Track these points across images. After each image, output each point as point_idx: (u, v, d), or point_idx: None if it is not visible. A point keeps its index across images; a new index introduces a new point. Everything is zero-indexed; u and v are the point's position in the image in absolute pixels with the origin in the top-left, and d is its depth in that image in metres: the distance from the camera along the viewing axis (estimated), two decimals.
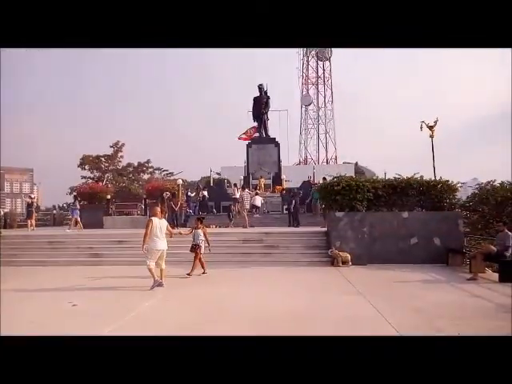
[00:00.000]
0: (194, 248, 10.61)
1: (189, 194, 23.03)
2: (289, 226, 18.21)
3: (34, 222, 19.63)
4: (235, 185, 21.12)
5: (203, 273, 10.67)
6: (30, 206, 19.87)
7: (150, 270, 8.98)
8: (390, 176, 14.49)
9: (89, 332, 5.63)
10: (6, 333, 4.80)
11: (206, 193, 23.00)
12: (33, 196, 21.17)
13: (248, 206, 18.75)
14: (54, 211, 32.71)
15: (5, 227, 20.46)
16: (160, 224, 9.15)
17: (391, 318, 6.17)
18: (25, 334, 4.60)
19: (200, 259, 10.66)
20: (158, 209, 9.67)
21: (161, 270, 9.24)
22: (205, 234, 10.79)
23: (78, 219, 19.59)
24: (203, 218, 11.57)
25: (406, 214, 12.74)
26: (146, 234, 8.93)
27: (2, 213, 20.56)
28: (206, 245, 10.76)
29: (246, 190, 19.80)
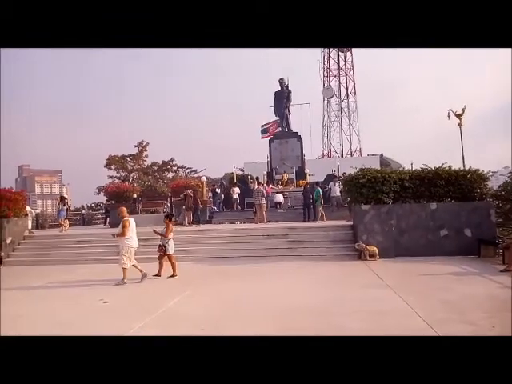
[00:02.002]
0: (160, 248, 10.10)
1: (216, 190, 23.15)
2: (307, 219, 18.35)
3: (67, 222, 19.99)
4: (257, 178, 21.16)
5: (172, 275, 9.93)
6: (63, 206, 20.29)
7: (125, 269, 9.33)
8: (417, 167, 14.16)
9: (115, 330, 5.74)
10: (5, 333, 4.90)
11: (237, 189, 22.94)
12: (66, 196, 21.65)
13: (261, 202, 17.97)
14: (83, 211, 33.56)
15: (37, 227, 21.07)
16: (133, 223, 9.66)
17: (422, 312, 6.02)
18: (25, 334, 4.65)
19: (170, 260, 10.08)
20: (125, 209, 10.02)
21: (134, 266, 9.58)
22: (167, 230, 10.14)
23: (63, 220, 19.24)
24: (172, 216, 10.86)
25: (434, 206, 12.42)
26: (124, 234, 9.38)
27: (34, 214, 21.13)
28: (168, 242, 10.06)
29: (261, 185, 19.23)
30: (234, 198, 22.59)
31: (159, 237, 10.30)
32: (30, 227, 16.76)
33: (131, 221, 9.67)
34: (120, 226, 9.61)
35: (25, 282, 9.96)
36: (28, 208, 17.57)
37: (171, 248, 10.10)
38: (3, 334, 4.81)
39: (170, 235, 10.16)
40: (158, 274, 10.04)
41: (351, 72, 57.48)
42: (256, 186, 19.18)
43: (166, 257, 10.08)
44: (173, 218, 10.62)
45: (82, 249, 14.32)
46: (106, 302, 7.56)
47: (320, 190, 18.34)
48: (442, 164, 13.08)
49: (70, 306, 7.53)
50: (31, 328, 6.07)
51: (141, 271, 9.53)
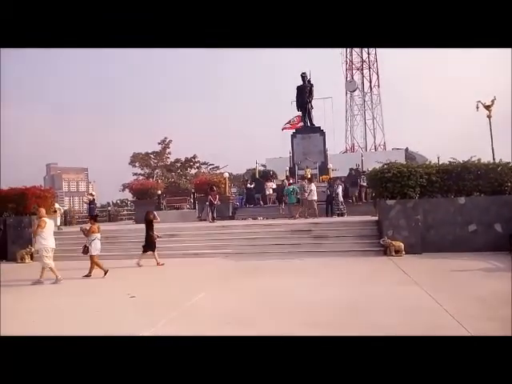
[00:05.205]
0: (83, 249, 10.23)
1: (248, 185, 23.25)
2: (331, 215, 18.24)
3: None
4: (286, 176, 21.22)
5: (86, 275, 9.98)
6: (91, 202, 20.83)
7: (51, 268, 9.33)
8: (444, 161, 13.83)
9: (140, 325, 5.84)
10: (5, 333, 4.92)
11: (271, 184, 22.98)
12: (93, 193, 22.15)
13: (303, 197, 18.08)
14: (109, 207, 34.28)
15: (65, 224, 21.62)
16: (50, 224, 9.74)
17: (451, 309, 5.89)
18: (25, 334, 4.62)
19: (91, 260, 10.11)
20: (43, 209, 10.19)
21: (43, 268, 9.50)
22: (89, 230, 10.29)
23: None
24: (97, 216, 11.23)
25: (462, 200, 12.13)
26: (35, 233, 9.56)
27: (62, 210, 21.69)
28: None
29: (304, 181, 19.39)
30: (267, 192, 22.65)
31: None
32: (58, 223, 17.21)
33: (48, 221, 9.75)
34: (35, 225, 9.83)
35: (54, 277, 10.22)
36: (56, 205, 18.04)
37: (94, 249, 10.11)
38: (7, 334, 4.80)
39: (94, 235, 10.20)
40: (104, 273, 9.98)
41: (375, 65, 56.56)
42: (303, 182, 19.19)
43: (94, 256, 10.10)
44: (99, 218, 10.91)
45: (109, 244, 14.57)
46: (133, 297, 7.70)
47: (291, 188, 18.38)
48: (471, 157, 12.78)
49: (97, 300, 7.71)
50: (60, 321, 6.26)
51: (40, 277, 9.38)
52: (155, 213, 12.39)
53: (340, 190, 18.69)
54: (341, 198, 18.66)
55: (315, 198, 17.72)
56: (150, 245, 11.64)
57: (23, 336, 4.31)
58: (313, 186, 17.87)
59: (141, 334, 5.22)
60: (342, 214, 18.17)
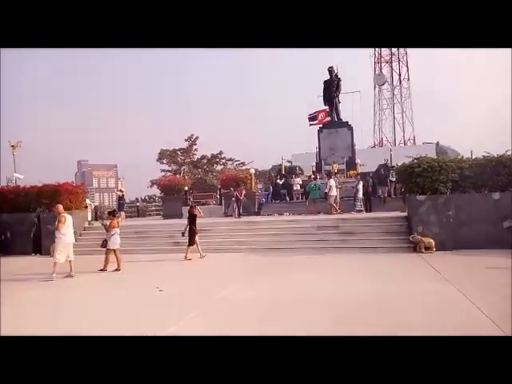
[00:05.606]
0: (102, 243, 10.55)
1: (278, 181, 23.25)
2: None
3: (123, 214, 20.91)
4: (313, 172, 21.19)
5: (116, 269, 10.27)
6: (120, 198, 21.27)
7: (56, 263, 9.44)
8: (478, 155, 13.37)
9: (167, 319, 5.90)
10: (5, 333, 4.93)
11: (299, 179, 22.99)
12: (123, 189, 22.61)
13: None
14: (138, 203, 34.95)
15: (95, 219, 22.16)
16: (69, 219, 9.87)
17: (485, 307, 5.70)
18: (25, 334, 4.63)
19: (114, 253, 10.38)
20: (61, 205, 10.29)
21: (70, 262, 9.71)
22: (109, 225, 10.55)
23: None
24: (115, 211, 11.66)
25: (497, 196, 11.72)
26: (57, 228, 9.64)
27: (93, 206, 22.22)
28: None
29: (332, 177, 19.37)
30: (294, 188, 22.55)
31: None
32: (89, 219, 17.64)
33: (67, 217, 9.90)
34: (56, 221, 9.94)
35: (89, 270, 10.48)
36: (87, 201, 18.50)
37: (112, 243, 10.36)
38: (6, 334, 4.79)
39: (113, 230, 10.41)
40: (104, 269, 10.28)
41: (404, 57, 55.23)
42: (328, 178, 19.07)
43: (112, 251, 10.33)
44: (116, 214, 11.24)
45: (140, 239, 14.87)
46: (161, 290, 7.81)
47: (312, 184, 18.38)
48: (506, 151, 12.32)
49: (127, 293, 7.88)
50: (93, 313, 6.43)
51: (71, 270, 9.68)
52: (199, 208, 12.70)
53: (360, 186, 18.12)
54: (360, 195, 17.99)
55: (334, 193, 17.47)
56: (191, 238, 12.02)
57: (23, 336, 4.33)
58: (332, 182, 17.67)
59: (144, 334, 5.07)
60: (359, 211, 17.45)
